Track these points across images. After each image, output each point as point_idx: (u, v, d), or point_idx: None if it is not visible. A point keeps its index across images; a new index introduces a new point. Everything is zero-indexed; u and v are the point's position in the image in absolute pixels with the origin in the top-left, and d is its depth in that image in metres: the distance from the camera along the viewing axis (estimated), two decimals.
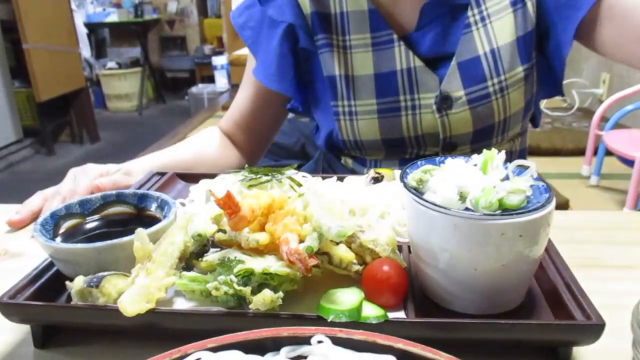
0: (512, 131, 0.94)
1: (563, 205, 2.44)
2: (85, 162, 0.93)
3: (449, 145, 0.92)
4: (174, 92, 7.05)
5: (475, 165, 0.56)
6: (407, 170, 0.58)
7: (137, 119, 6.22)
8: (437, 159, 0.61)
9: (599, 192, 3.03)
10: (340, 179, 0.83)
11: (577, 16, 0.82)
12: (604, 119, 3.15)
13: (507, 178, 0.54)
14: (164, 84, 7.05)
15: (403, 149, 0.94)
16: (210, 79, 5.95)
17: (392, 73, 0.90)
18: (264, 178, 0.75)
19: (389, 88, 0.91)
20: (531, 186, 0.53)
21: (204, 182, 0.82)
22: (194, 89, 5.20)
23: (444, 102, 0.89)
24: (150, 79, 6.75)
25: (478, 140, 0.92)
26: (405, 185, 0.55)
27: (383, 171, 0.78)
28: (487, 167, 0.55)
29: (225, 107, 3.97)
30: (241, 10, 1.01)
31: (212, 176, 0.85)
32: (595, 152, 3.09)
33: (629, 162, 2.62)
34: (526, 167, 0.55)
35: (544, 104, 3.78)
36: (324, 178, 0.83)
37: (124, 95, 6.38)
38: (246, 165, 0.82)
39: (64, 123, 5.19)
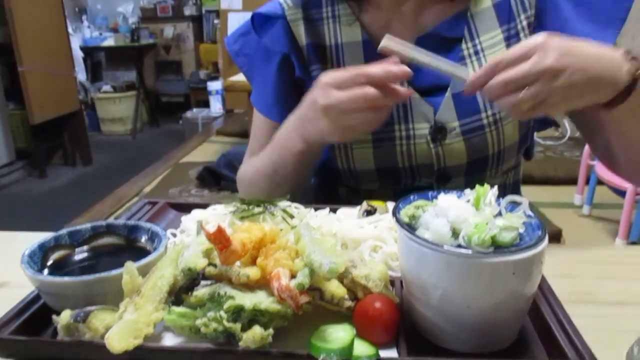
0: (506, 164, 0.95)
1: (556, 235, 2.44)
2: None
3: (442, 176, 0.92)
4: (169, 115, 7.05)
5: (468, 201, 0.56)
6: (400, 205, 0.58)
7: (130, 142, 6.21)
8: (430, 193, 0.61)
9: (592, 221, 3.03)
10: (333, 210, 0.82)
11: None
12: None
13: (499, 214, 0.54)
14: (158, 107, 7.06)
15: (397, 180, 0.94)
16: (205, 104, 5.97)
17: None
18: (257, 210, 0.75)
19: None
20: (524, 223, 0.53)
21: (195, 212, 0.82)
22: (188, 114, 5.20)
23: (439, 133, 0.89)
24: (145, 103, 6.76)
25: (472, 172, 0.92)
26: (398, 221, 0.55)
27: (376, 204, 0.77)
28: (479, 203, 0.55)
29: (219, 132, 3.98)
30: (236, 37, 1.02)
31: (204, 206, 0.85)
32: (587, 182, 3.10)
33: (621, 193, 2.63)
34: (519, 203, 0.55)
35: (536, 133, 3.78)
36: (316, 209, 0.83)
37: (118, 119, 6.38)
38: (238, 196, 0.82)
39: (57, 145, 5.17)
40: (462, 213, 0.53)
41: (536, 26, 0.88)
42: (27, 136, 4.84)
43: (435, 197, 0.59)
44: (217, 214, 0.78)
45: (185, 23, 6.85)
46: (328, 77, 0.75)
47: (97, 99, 6.26)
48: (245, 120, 3.94)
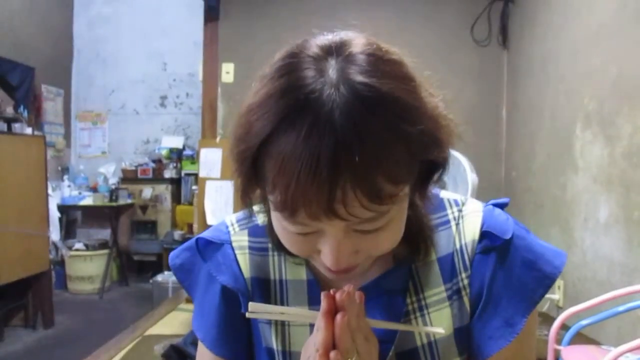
0: None
1: None
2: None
3: None
4: (139, 274, 6.98)
5: None
6: None
7: (97, 302, 6.06)
8: None
9: None
10: None
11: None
12: (564, 327, 3.20)
13: None
14: (129, 266, 7.00)
15: None
16: None
17: None
18: None
19: None
20: None
21: None
22: (159, 277, 5.17)
23: None
24: (116, 260, 6.72)
25: None
26: None
27: None
28: None
29: (189, 300, 3.95)
30: (179, 252, 0.97)
31: None
32: None
33: None
34: None
35: None
36: None
37: (87, 277, 6.28)
38: None
39: (20, 306, 5.01)
40: None
41: (471, 286, 0.88)
42: None
43: None
44: None
45: (164, 185, 7.06)
46: None
47: (67, 257, 6.20)
48: None
